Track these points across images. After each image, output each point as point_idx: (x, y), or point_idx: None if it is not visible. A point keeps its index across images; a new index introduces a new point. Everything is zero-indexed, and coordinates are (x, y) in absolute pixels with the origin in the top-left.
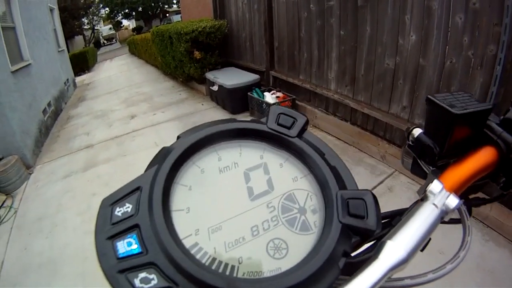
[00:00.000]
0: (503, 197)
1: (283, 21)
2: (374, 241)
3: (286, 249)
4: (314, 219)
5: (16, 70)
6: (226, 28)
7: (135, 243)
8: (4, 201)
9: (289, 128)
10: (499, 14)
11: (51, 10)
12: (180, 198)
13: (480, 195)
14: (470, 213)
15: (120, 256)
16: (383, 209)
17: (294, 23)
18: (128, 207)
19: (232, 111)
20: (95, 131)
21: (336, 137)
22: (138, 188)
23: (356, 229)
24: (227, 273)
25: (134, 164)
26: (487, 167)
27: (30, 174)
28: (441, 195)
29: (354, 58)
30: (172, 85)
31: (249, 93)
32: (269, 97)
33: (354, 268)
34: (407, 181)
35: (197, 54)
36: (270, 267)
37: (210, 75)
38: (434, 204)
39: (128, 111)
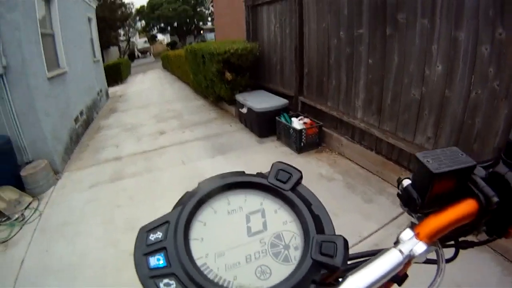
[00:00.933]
0: (489, 242)
1: (313, 47)
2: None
3: (270, 273)
4: (295, 254)
5: (52, 77)
6: (258, 51)
7: (162, 260)
8: (30, 203)
9: (284, 182)
10: None
11: (89, 19)
12: (197, 230)
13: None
14: (457, 253)
15: (151, 267)
16: None
17: (324, 49)
18: (159, 234)
19: (260, 135)
20: (124, 143)
21: (360, 166)
22: (167, 222)
23: (324, 264)
24: (225, 285)
25: (159, 181)
26: (466, 217)
27: (58, 179)
28: (410, 242)
29: (381, 87)
30: (203, 103)
31: (277, 118)
32: (297, 123)
33: None
34: None
35: (228, 75)
36: (256, 284)
37: (240, 97)
38: (400, 250)
39: (158, 127)
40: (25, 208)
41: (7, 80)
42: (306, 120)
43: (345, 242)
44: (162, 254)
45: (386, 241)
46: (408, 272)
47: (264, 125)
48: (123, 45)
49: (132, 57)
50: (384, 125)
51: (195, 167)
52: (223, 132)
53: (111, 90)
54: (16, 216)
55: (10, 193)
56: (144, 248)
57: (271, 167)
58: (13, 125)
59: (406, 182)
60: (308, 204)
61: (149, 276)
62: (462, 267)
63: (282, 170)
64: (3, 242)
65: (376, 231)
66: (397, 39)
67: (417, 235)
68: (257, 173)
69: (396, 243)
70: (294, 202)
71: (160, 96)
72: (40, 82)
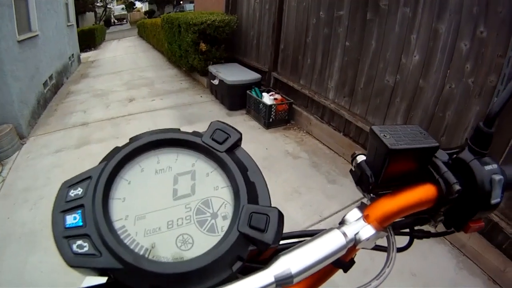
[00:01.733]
0: (446, 234)
1: (291, 25)
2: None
3: (192, 244)
4: (223, 224)
5: (23, 40)
6: (235, 24)
7: (79, 218)
8: None
9: (220, 143)
10: (504, 45)
11: None
12: (120, 189)
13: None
14: (410, 243)
15: (67, 226)
16: None
17: (302, 28)
18: (79, 190)
19: (229, 107)
20: (93, 109)
21: (327, 146)
22: (89, 177)
23: (252, 239)
24: (141, 253)
25: None
26: (423, 204)
27: (23, 144)
28: (357, 224)
29: (356, 70)
30: (175, 73)
31: (248, 92)
32: (267, 98)
33: (249, 272)
34: None
35: (202, 46)
36: (175, 256)
37: (212, 69)
38: (343, 232)
39: (128, 93)
40: None
41: None
42: (277, 96)
43: (280, 215)
44: (80, 212)
45: None
46: (356, 259)
47: (235, 98)
48: (100, 11)
49: (108, 23)
50: (355, 108)
51: None
52: (193, 103)
53: (84, 55)
54: None
55: None
56: (62, 205)
57: (209, 125)
58: None
59: (360, 158)
60: (243, 170)
61: (63, 236)
62: (419, 256)
63: (220, 130)
64: None
65: (337, 212)
66: (377, 25)
67: (365, 217)
68: (193, 132)
69: (341, 223)
70: (228, 166)
71: (133, 64)
72: (10, 45)
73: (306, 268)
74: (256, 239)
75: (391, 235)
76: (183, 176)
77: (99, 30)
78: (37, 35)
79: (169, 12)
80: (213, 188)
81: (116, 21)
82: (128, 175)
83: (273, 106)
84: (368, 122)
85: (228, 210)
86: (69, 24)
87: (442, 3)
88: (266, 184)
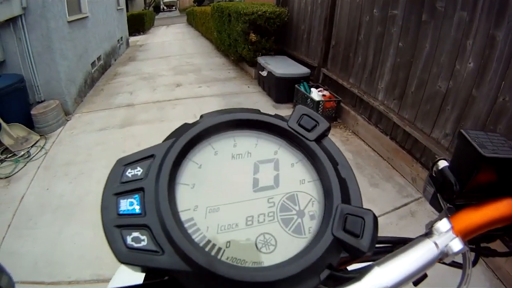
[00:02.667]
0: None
1: (344, 21)
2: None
3: (275, 246)
4: (310, 225)
5: (73, 21)
6: (286, 17)
7: (137, 204)
8: (37, 141)
9: (309, 130)
10: None
11: None
12: (189, 173)
13: (495, 245)
14: (476, 261)
15: (120, 212)
16: (400, 232)
17: (354, 24)
18: (139, 170)
19: (276, 100)
20: (139, 91)
21: (372, 148)
22: (152, 156)
23: (347, 245)
24: (213, 253)
25: (169, 131)
26: (504, 220)
27: (68, 120)
28: (446, 236)
29: (408, 73)
30: (223, 62)
31: (296, 86)
32: (316, 94)
33: (337, 283)
34: (432, 210)
35: (252, 37)
36: (254, 258)
37: (261, 60)
38: (435, 243)
39: (175, 79)
40: (32, 146)
41: (26, 21)
42: (326, 92)
43: (375, 219)
44: (137, 197)
45: (385, 229)
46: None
47: (282, 91)
48: None
49: (157, 9)
50: (404, 112)
51: None
52: (240, 92)
53: (133, 39)
54: (22, 153)
55: (18, 131)
56: (116, 186)
57: (293, 110)
58: (29, 65)
59: (443, 164)
60: (334, 163)
61: (115, 224)
62: (452, 272)
63: (307, 116)
64: (7, 177)
65: (377, 217)
66: (432, 27)
67: (453, 229)
68: (275, 114)
69: (429, 234)
70: (318, 157)
71: (181, 50)
72: (60, 25)
73: (400, 282)
74: (350, 245)
75: (468, 251)
76: (264, 164)
77: (148, 16)
78: (87, 16)
79: (219, 1)
80: (299, 182)
81: (165, 7)
82: (198, 158)
83: (321, 102)
84: (417, 127)
85: (316, 208)
86: (119, 8)
87: (501, 8)
88: (357, 181)
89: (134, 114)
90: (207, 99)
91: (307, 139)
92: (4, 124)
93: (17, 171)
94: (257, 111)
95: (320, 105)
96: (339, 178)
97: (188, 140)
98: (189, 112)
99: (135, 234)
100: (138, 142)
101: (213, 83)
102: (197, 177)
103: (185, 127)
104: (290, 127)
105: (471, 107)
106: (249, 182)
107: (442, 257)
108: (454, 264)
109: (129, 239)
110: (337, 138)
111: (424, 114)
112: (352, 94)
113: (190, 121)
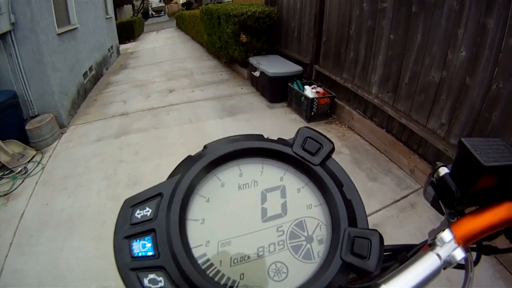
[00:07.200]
0: None
1: (334, 16)
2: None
3: (286, 273)
4: (319, 250)
5: (62, 33)
6: (276, 16)
7: (150, 246)
8: (33, 156)
9: (313, 154)
10: None
11: None
12: (198, 208)
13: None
14: (478, 260)
15: (135, 255)
16: (401, 225)
17: (344, 19)
18: (148, 211)
19: (270, 100)
20: (132, 99)
21: (369, 142)
22: (159, 194)
23: (355, 268)
24: (228, 286)
25: (165, 138)
26: (504, 223)
27: (63, 133)
28: (449, 246)
29: (400, 65)
30: (215, 64)
31: (289, 84)
32: (309, 91)
33: None
34: None
35: (243, 38)
36: (268, 287)
37: (253, 60)
38: (438, 255)
39: (168, 84)
40: (28, 162)
41: (15, 36)
42: (319, 89)
43: (381, 239)
44: (150, 239)
45: (387, 222)
46: None
47: (276, 90)
48: (138, 3)
49: (146, 15)
50: (399, 104)
51: (202, 127)
52: (234, 94)
53: (123, 47)
54: (19, 169)
55: (14, 147)
56: (127, 229)
57: (297, 133)
58: (20, 80)
59: (443, 171)
60: (339, 185)
61: (131, 268)
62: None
63: (311, 139)
64: (5, 195)
65: (377, 211)
66: (423, 18)
67: (455, 238)
68: (279, 139)
69: (432, 245)
70: (324, 181)
71: (172, 55)
72: (50, 38)
73: None
74: (358, 267)
75: (469, 253)
76: (271, 192)
77: (137, 22)
78: (76, 28)
79: (207, 4)
80: (306, 207)
81: (154, 13)
82: (205, 191)
83: (315, 99)
84: (412, 119)
85: (324, 232)
86: (107, 16)
87: None
88: (362, 201)
89: (129, 123)
90: (201, 103)
91: (312, 163)
92: None
93: (15, 188)
94: (261, 137)
95: (315, 102)
96: (344, 200)
97: (194, 176)
98: (184, 118)
99: (151, 276)
100: (135, 150)
101: (206, 86)
102: (206, 211)
103: (189, 161)
104: (295, 152)
105: (466, 95)
106: (258, 213)
107: (446, 266)
108: (456, 266)
109: (146, 282)
110: (333, 134)
111: (419, 105)
112: (346, 89)
113: (185, 126)
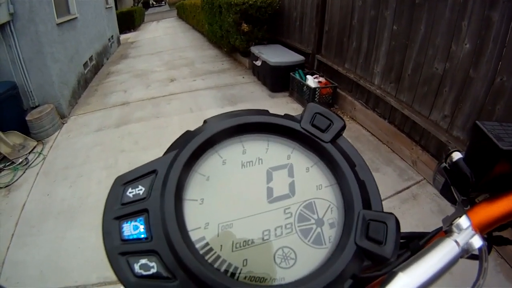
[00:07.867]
0: None
1: (336, 6)
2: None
3: (294, 259)
4: (330, 234)
5: (62, 23)
6: (277, 5)
7: (142, 228)
8: (34, 147)
9: (323, 131)
10: None
11: None
12: (196, 187)
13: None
14: (489, 251)
15: (125, 238)
16: (404, 216)
17: (347, 9)
18: (141, 189)
19: (272, 89)
20: (133, 89)
21: (371, 133)
22: (154, 171)
23: (370, 254)
24: (229, 274)
25: (166, 127)
26: None
27: (64, 123)
28: (466, 232)
29: (403, 55)
30: (216, 54)
31: (291, 73)
32: (311, 81)
33: None
34: (434, 192)
35: (244, 27)
36: (274, 275)
37: (255, 49)
38: (456, 242)
39: (169, 74)
40: (29, 153)
41: (14, 27)
42: (321, 79)
43: (397, 223)
44: (142, 220)
45: None
46: None
47: (277, 80)
48: None
49: (146, 5)
50: (401, 95)
51: (203, 115)
52: (235, 83)
53: (123, 37)
54: (20, 160)
55: (14, 138)
56: (117, 209)
57: (305, 108)
58: (20, 71)
59: (457, 156)
60: (352, 165)
61: (120, 252)
62: (463, 261)
63: (320, 115)
64: (6, 186)
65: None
66: (426, 9)
67: (472, 225)
68: (285, 115)
69: (448, 232)
70: (336, 160)
71: (173, 44)
72: (49, 28)
73: (426, 285)
74: (375, 253)
75: (486, 245)
76: (278, 171)
77: (137, 12)
78: (76, 17)
79: None
80: (316, 187)
81: (154, 2)
82: (205, 169)
83: (317, 89)
84: (415, 110)
85: (335, 215)
86: (107, 6)
87: None
88: (376, 184)
89: (130, 112)
90: (202, 92)
91: (322, 140)
92: None
93: (17, 179)
94: (266, 112)
95: (317, 92)
96: (358, 181)
97: (192, 151)
98: (185, 107)
99: (143, 261)
100: (135, 140)
101: (207, 75)
102: (206, 190)
103: (187, 136)
104: (303, 128)
105: (469, 88)
106: (263, 193)
107: (463, 255)
108: (469, 257)
109: (136, 267)
110: None
111: (421, 97)
112: (348, 79)
113: (186, 115)
